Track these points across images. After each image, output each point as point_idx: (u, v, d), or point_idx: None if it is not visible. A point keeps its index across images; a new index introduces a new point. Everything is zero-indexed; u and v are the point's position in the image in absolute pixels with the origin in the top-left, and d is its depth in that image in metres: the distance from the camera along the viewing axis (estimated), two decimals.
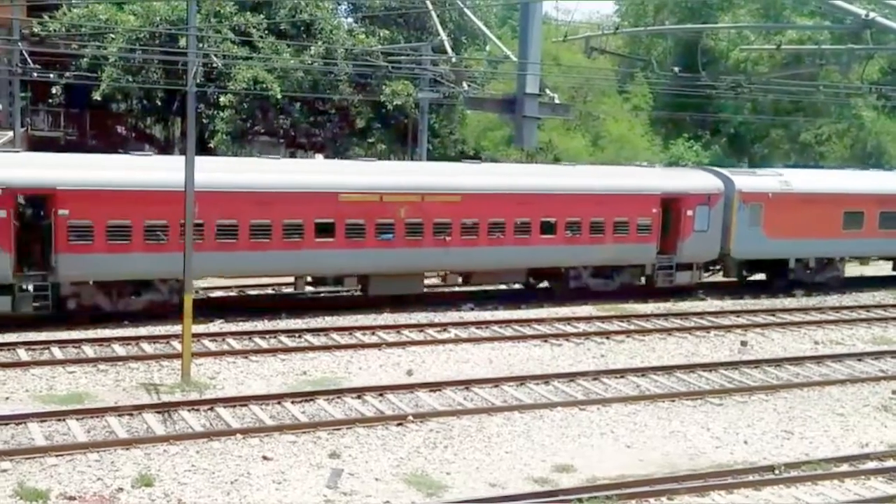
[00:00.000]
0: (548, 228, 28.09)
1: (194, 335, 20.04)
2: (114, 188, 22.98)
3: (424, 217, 26.33)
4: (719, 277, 32.99)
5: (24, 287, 22.60)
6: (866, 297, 32.69)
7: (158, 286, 23.97)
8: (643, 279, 30.50)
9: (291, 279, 27.82)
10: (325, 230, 25.09)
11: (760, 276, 33.34)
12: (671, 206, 29.96)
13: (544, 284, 30.48)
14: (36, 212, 23.08)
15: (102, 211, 22.68)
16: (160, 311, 23.83)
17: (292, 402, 18.01)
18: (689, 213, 30.03)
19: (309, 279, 27.12)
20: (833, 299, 32.12)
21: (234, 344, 22.39)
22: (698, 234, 30.29)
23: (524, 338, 24.41)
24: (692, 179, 31.14)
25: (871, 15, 21.20)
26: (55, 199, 22.36)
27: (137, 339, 22.13)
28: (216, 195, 23.50)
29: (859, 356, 24.01)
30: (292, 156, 41.01)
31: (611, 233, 29.00)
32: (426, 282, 29.13)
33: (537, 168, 32.42)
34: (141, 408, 17.20)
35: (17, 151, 23.23)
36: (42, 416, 16.54)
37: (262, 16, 38.39)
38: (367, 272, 26.23)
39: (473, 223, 26.98)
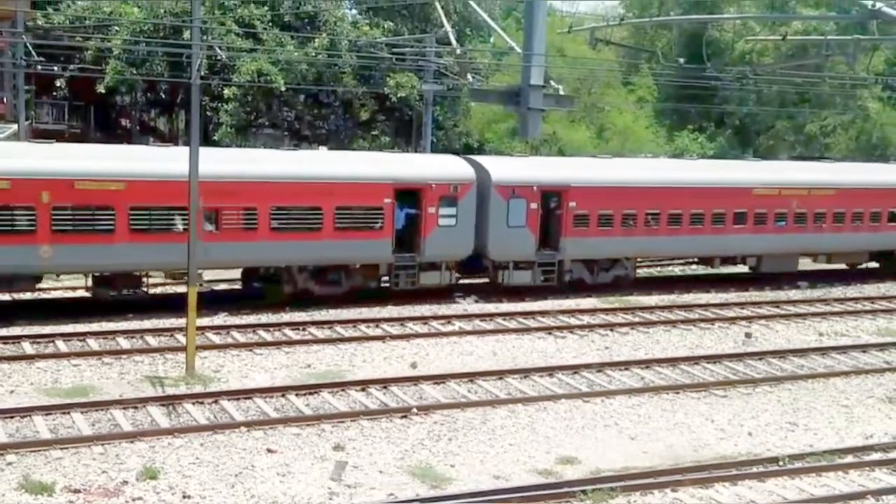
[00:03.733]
0: (892, 217, 33.47)
1: (198, 328, 20.04)
2: (604, 185, 28.74)
3: (808, 208, 31.76)
4: None
5: (540, 263, 28.17)
6: (871, 289, 32.65)
7: (625, 264, 29.79)
8: None
9: None
10: (739, 218, 30.58)
11: None
12: None
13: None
14: (552, 204, 28.29)
15: (596, 203, 28.33)
16: (622, 284, 29.76)
17: (296, 395, 18.02)
18: None
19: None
20: (838, 291, 32.10)
21: (239, 337, 22.40)
22: None
23: (528, 330, 24.40)
24: None
25: (878, 5, 21.12)
26: (567, 194, 27.97)
27: (142, 332, 22.15)
28: (668, 190, 29.49)
29: (864, 348, 23.97)
30: (296, 148, 40.96)
31: None
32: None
33: (884, 167, 37.49)
34: (145, 401, 17.23)
35: (538, 156, 33.45)
36: (47, 410, 16.56)
37: (266, 8, 38.37)
38: (763, 253, 31.62)
39: (841, 213, 32.39)
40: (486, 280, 28.51)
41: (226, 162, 24.64)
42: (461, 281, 28.15)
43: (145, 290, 24.89)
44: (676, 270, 36.25)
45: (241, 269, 27.03)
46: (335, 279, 26.05)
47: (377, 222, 25.60)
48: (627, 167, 30.97)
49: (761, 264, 31.86)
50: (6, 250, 21.76)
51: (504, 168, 28.20)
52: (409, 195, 26.20)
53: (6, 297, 26.26)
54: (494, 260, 27.77)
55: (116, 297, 24.10)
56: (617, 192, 28.70)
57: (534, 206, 27.55)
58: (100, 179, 22.71)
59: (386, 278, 26.70)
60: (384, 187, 25.57)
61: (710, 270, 33.53)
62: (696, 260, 33.85)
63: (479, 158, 28.88)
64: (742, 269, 32.99)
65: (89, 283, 24.41)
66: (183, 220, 22.79)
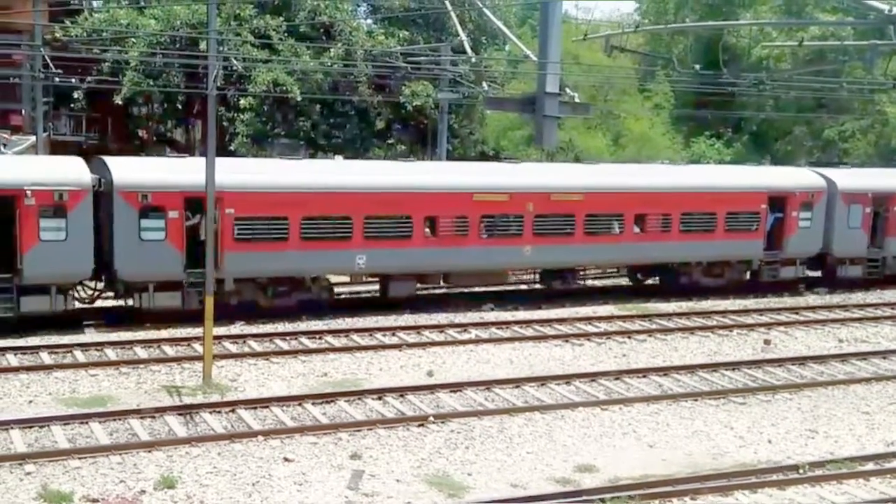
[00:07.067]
0: None
1: (215, 337, 20.10)
2: None
3: None
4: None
5: (868, 259, 33.05)
6: (891, 295, 32.39)
7: None
8: None
9: None
10: None
11: None
12: None
13: None
14: (879, 208, 32.71)
15: None
16: None
17: (313, 404, 18.02)
18: None
19: None
20: (857, 297, 31.85)
21: (255, 346, 22.43)
22: None
23: (545, 338, 24.33)
24: None
25: (895, 10, 21.04)
26: (892, 200, 32.83)
27: (159, 341, 22.22)
28: None
29: (884, 354, 23.75)
30: (312, 157, 41.07)
31: None
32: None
33: None
34: (163, 410, 17.25)
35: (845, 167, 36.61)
36: (65, 419, 16.62)
37: (281, 18, 38.50)
38: None
39: None
40: (820, 274, 33.06)
41: (648, 175, 30.34)
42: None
43: (580, 282, 30.42)
44: None
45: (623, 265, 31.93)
46: (718, 273, 30.83)
47: (754, 224, 30.65)
48: None
49: None
50: (496, 251, 26.78)
51: (846, 178, 32.69)
52: (774, 201, 30.90)
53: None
54: (837, 256, 32.37)
55: (560, 288, 29.10)
56: None
57: (867, 210, 32.24)
58: (568, 192, 27.77)
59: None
60: (761, 195, 30.72)
61: None
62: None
63: (824, 170, 33.14)
64: None
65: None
66: (619, 223, 28.41)
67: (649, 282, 31.46)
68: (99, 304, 25.00)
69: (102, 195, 22.96)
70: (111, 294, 24.70)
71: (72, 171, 23.01)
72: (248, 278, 24.39)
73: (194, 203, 23.11)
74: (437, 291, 29.47)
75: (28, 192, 21.94)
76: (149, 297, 23.25)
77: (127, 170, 23.65)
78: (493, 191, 26.80)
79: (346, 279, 27.95)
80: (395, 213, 25.49)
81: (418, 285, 27.00)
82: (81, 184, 22.53)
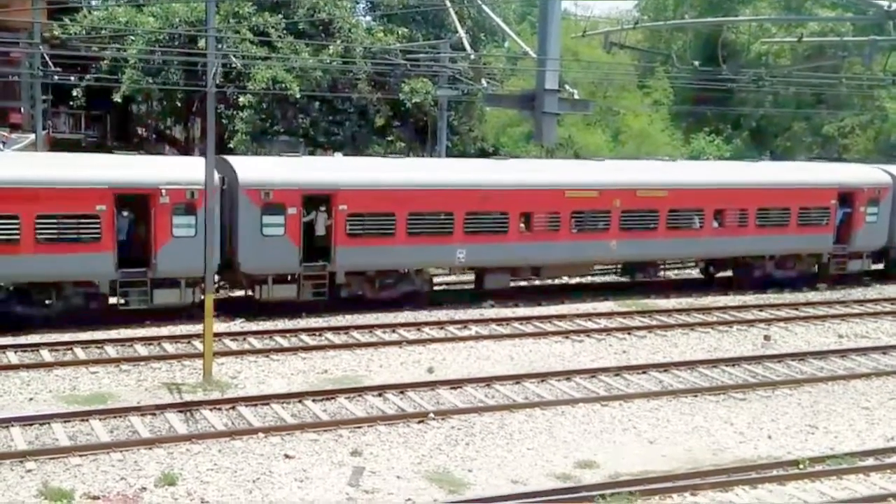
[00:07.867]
0: None
1: (215, 334, 20.11)
2: None
3: None
4: None
5: None
6: (891, 290, 32.41)
7: None
8: None
9: None
10: None
11: None
12: None
13: None
14: None
15: None
16: None
17: (313, 401, 18.03)
18: None
19: None
20: (857, 292, 31.88)
21: (256, 343, 22.43)
22: None
23: (545, 334, 24.34)
24: None
25: (894, 6, 21.02)
26: None
27: (159, 338, 22.21)
28: None
29: (884, 349, 23.77)
30: (311, 154, 41.07)
31: None
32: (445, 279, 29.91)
33: None
34: (163, 407, 17.26)
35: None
36: (66, 417, 16.62)
37: (280, 15, 38.45)
38: None
39: None
40: (882, 267, 34.18)
41: (726, 172, 32.15)
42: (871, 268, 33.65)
43: (661, 276, 31.58)
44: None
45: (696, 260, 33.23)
46: (791, 266, 31.94)
47: (824, 219, 31.81)
48: None
49: None
50: (585, 245, 27.97)
51: None
52: (843, 197, 32.07)
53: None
54: None
55: (639, 280, 30.50)
56: None
57: None
58: (653, 188, 28.80)
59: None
60: (831, 191, 31.84)
61: None
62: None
63: (889, 167, 34.24)
64: None
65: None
66: (700, 218, 29.57)
67: (721, 274, 32.35)
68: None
69: (226, 193, 23.75)
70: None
71: (201, 170, 23.52)
72: (358, 272, 25.53)
73: (311, 200, 24.76)
74: (527, 284, 30.00)
75: (163, 191, 22.86)
76: (267, 290, 24.48)
77: (250, 169, 24.72)
78: (585, 187, 27.92)
79: (444, 271, 29.08)
80: (493, 209, 26.63)
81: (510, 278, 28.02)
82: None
